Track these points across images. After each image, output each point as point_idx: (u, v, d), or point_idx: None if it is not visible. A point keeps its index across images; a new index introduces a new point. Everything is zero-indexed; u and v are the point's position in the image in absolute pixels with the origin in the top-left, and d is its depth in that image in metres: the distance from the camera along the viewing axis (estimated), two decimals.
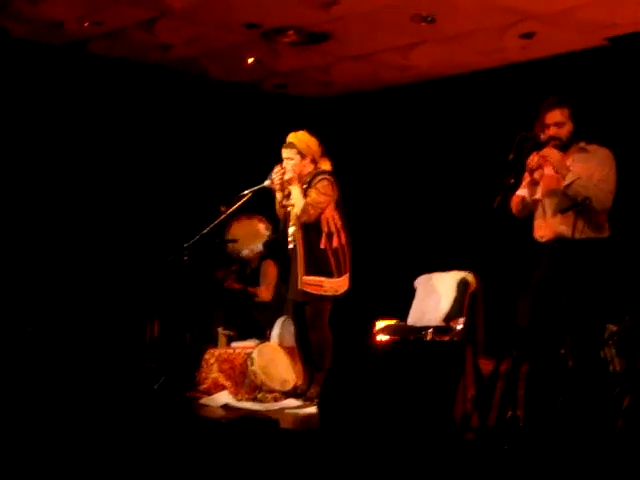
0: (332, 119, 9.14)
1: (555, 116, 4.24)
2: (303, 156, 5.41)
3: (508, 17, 6.94)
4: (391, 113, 8.74)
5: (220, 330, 6.30)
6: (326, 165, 5.51)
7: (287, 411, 5.13)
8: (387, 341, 5.17)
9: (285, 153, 5.43)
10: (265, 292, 6.52)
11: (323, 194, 5.35)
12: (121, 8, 6.77)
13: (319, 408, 4.36)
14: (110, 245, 7.42)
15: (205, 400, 5.40)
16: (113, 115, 7.92)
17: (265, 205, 5.77)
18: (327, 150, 8.80)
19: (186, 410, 5.09)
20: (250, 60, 8.13)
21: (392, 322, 6.93)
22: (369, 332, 6.24)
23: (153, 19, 7.09)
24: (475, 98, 8.01)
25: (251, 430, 3.98)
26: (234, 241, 6.41)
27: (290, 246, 5.45)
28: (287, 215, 5.49)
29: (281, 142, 5.52)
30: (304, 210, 5.29)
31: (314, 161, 5.46)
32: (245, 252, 6.49)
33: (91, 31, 7.29)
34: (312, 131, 5.55)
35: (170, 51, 7.78)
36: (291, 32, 7.47)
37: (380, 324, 7.53)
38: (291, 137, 5.45)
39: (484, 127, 7.70)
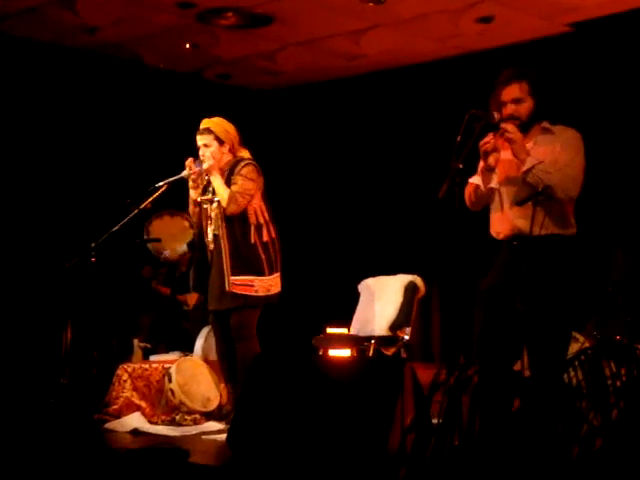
0: (279, 112, 8.62)
1: (513, 92, 3.61)
2: (221, 142, 4.78)
3: None
4: (339, 106, 8.26)
5: (136, 342, 5.62)
6: (246, 154, 4.88)
7: (205, 437, 4.45)
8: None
9: (201, 140, 4.79)
10: (195, 299, 5.84)
11: (250, 179, 4.73)
12: None
13: (228, 440, 3.68)
14: (11, 244, 6.69)
15: (112, 424, 4.69)
16: (31, 102, 7.19)
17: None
18: (274, 144, 8.50)
19: (86, 436, 4.39)
20: (187, 45, 7.49)
21: (338, 331, 6.34)
22: (303, 344, 5.59)
23: None
24: (429, 90, 7.50)
25: (153, 464, 3.32)
26: (157, 240, 5.72)
27: (210, 247, 4.79)
28: (203, 214, 4.84)
29: None
30: (231, 199, 4.66)
31: (232, 150, 4.83)
32: (167, 253, 5.82)
33: (2, 8, 6.57)
34: (231, 120, 4.91)
35: (97, 33, 7.11)
36: (230, 14, 6.86)
37: (330, 331, 6.96)
38: (206, 122, 4.81)
39: (438, 121, 7.14)
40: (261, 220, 4.76)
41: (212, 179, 4.72)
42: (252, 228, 4.72)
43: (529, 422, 3.32)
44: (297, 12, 6.71)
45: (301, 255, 7.68)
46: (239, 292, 4.67)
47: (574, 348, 4.99)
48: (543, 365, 3.56)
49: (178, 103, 7.86)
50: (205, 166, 4.71)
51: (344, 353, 5.99)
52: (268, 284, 4.72)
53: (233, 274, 4.66)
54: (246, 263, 4.68)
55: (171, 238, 5.85)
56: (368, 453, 3.07)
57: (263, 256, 4.71)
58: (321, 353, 5.41)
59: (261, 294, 4.71)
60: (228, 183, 4.73)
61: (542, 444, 3.40)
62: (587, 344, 4.95)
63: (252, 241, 4.70)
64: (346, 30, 7.07)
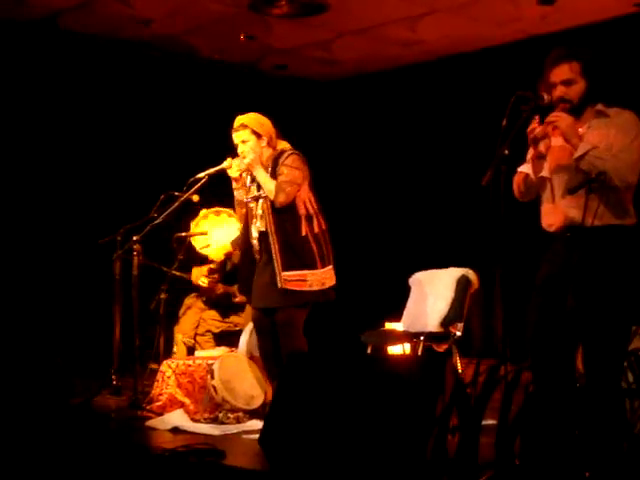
0: (336, 103, 8.48)
1: (562, 72, 3.35)
2: (259, 136, 4.58)
3: None
4: (396, 95, 8.06)
5: (179, 337, 5.53)
6: (286, 146, 4.68)
7: (246, 436, 4.31)
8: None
9: (238, 137, 4.60)
10: None
11: (296, 168, 4.51)
12: None
13: (260, 441, 3.53)
14: (50, 235, 6.73)
15: (154, 422, 4.58)
16: (87, 96, 7.22)
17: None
18: (330, 136, 8.36)
19: (126, 435, 4.31)
20: (242, 36, 7.40)
21: (393, 326, 6.15)
22: (352, 340, 5.41)
23: None
24: (489, 77, 7.22)
25: (186, 464, 3.20)
26: (203, 233, 5.62)
27: (256, 247, 4.62)
28: (249, 214, 4.67)
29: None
30: (279, 189, 4.45)
31: (271, 143, 4.63)
32: (209, 250, 5.71)
33: (59, 3, 6.58)
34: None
35: (151, 26, 7.08)
36: (283, 2, 6.74)
37: (386, 326, 6.78)
38: (240, 119, 4.61)
39: (499, 111, 6.86)
40: (311, 211, 4.54)
41: (255, 174, 4.54)
42: (302, 219, 4.50)
43: (584, 430, 3.08)
44: None
45: (352, 248, 7.55)
46: (293, 288, 4.46)
47: (636, 343, 4.71)
48: (599, 367, 3.31)
49: (234, 95, 7.78)
50: (246, 161, 4.52)
51: (395, 350, 5.81)
52: (322, 277, 4.50)
53: (285, 269, 4.44)
54: (298, 257, 4.43)
55: (217, 236, 5.73)
56: (406, 457, 2.89)
57: (315, 249, 4.48)
58: (370, 350, 5.21)
59: (315, 288, 4.48)
60: (273, 176, 4.54)
61: (597, 450, 3.17)
62: None
63: (303, 233, 4.47)
64: (401, 16, 6.88)
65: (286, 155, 4.54)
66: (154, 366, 5.30)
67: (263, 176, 4.51)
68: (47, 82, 7.06)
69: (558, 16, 6.66)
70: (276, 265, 4.44)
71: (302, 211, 4.52)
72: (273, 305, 4.52)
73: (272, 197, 4.47)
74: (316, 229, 4.52)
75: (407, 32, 7.14)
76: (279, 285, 4.42)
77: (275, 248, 4.47)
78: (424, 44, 7.35)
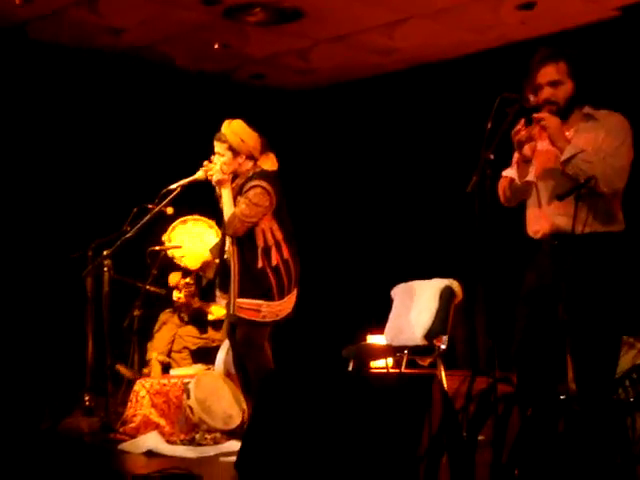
0: (314, 113, 8.35)
1: (549, 73, 3.23)
2: (236, 153, 4.45)
3: None
4: (375, 104, 7.91)
5: (154, 355, 5.34)
6: (267, 163, 4.52)
7: (223, 459, 4.13)
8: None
9: (216, 146, 4.48)
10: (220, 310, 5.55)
11: (254, 205, 4.36)
12: None
13: (237, 465, 3.35)
14: (20, 249, 6.53)
15: (127, 445, 4.39)
16: (59, 109, 7.03)
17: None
18: (309, 146, 8.22)
19: (98, 459, 4.12)
20: (216, 45, 7.25)
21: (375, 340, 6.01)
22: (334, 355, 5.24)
23: None
24: (468, 84, 7.11)
25: None
26: (177, 247, 5.45)
27: (225, 256, 4.49)
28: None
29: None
30: (229, 223, 4.36)
31: (251, 157, 4.48)
32: (185, 259, 5.54)
33: (27, 12, 6.41)
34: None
35: (123, 35, 6.91)
36: (257, 9, 6.60)
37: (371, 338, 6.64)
38: (224, 127, 4.48)
39: (479, 118, 6.75)
40: (270, 242, 4.39)
41: (222, 192, 4.43)
42: (259, 251, 4.37)
43: (577, 445, 2.93)
44: (326, 5, 6.43)
45: (331, 259, 7.40)
46: (244, 317, 4.36)
47: (630, 355, 4.59)
48: (590, 380, 3.17)
49: (210, 105, 7.62)
50: (215, 179, 4.40)
51: (378, 364, 5.66)
52: (277, 309, 4.39)
53: (240, 296, 4.33)
54: (254, 287, 4.34)
55: (194, 244, 5.56)
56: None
57: (273, 281, 4.36)
58: (351, 366, 5.06)
59: (268, 320, 4.39)
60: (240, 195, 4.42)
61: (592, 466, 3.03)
62: None
63: (260, 265, 4.35)
64: (379, 23, 6.76)
65: (251, 185, 4.40)
66: (123, 370, 5.10)
67: (226, 200, 4.43)
68: (16, 92, 6.86)
69: (538, 21, 6.57)
70: (232, 289, 4.34)
71: (260, 242, 4.41)
72: (231, 321, 4.42)
73: (225, 225, 4.39)
74: (275, 261, 4.41)
75: (385, 39, 7.02)
76: (231, 311, 4.33)
77: (234, 273, 4.38)
78: (402, 51, 7.24)
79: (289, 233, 4.47)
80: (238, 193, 4.42)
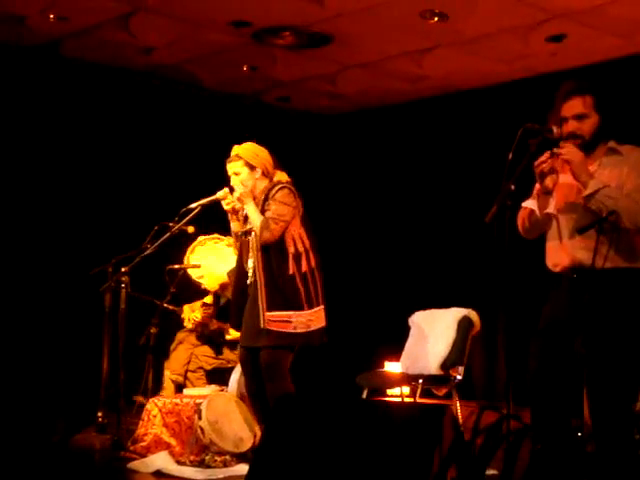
0: (340, 137, 8.36)
1: (575, 106, 3.20)
2: (252, 168, 4.44)
3: (533, 15, 6.02)
4: (401, 131, 7.90)
5: (167, 374, 5.32)
6: (283, 177, 4.53)
7: None
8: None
9: (231, 168, 4.48)
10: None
11: (285, 204, 4.35)
12: (86, 0, 5.96)
13: None
14: (42, 265, 6.55)
15: (136, 464, 4.36)
16: (88, 125, 7.11)
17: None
18: (334, 170, 8.23)
19: (106, 477, 4.09)
20: (245, 67, 7.30)
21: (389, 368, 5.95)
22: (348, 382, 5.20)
23: (126, 15, 6.27)
24: (495, 115, 7.08)
25: None
26: (196, 266, 5.44)
27: (249, 281, 4.45)
28: (244, 247, 4.52)
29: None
30: (264, 225, 4.30)
31: (267, 174, 4.48)
32: (203, 280, 5.53)
33: (60, 29, 6.49)
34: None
35: (153, 54, 6.97)
36: (287, 33, 6.63)
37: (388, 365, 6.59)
38: (235, 149, 4.49)
39: (506, 150, 6.73)
40: (300, 248, 4.36)
41: (246, 207, 4.40)
42: (290, 257, 4.32)
43: None
44: (356, 31, 6.44)
45: (350, 285, 7.36)
46: (275, 329, 4.28)
47: None
48: (607, 416, 3.12)
49: (237, 127, 7.64)
50: (236, 195, 4.39)
51: (394, 392, 5.60)
52: (308, 319, 4.32)
53: (269, 309, 4.27)
54: (284, 297, 4.28)
55: (214, 265, 5.55)
56: None
57: (302, 289, 4.30)
58: (365, 393, 5.00)
59: (300, 331, 4.30)
60: (263, 211, 4.40)
61: None
62: None
63: (290, 272, 4.29)
64: (407, 50, 6.76)
65: (277, 189, 4.39)
66: (141, 399, 5.09)
67: (252, 211, 4.37)
68: (47, 108, 6.94)
69: (567, 53, 6.54)
70: (260, 304, 4.30)
71: (291, 249, 4.36)
72: (257, 344, 4.38)
73: (258, 233, 4.33)
74: (304, 268, 4.35)
75: (413, 67, 7.03)
76: (262, 325, 4.29)
77: (261, 285, 4.32)
78: (430, 79, 7.24)
79: (315, 244, 4.46)
80: (262, 210, 4.40)
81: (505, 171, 3.01)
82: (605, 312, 3.13)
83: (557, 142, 3.20)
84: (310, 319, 4.32)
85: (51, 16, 6.20)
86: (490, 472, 3.13)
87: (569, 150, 3.15)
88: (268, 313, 4.26)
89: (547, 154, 3.18)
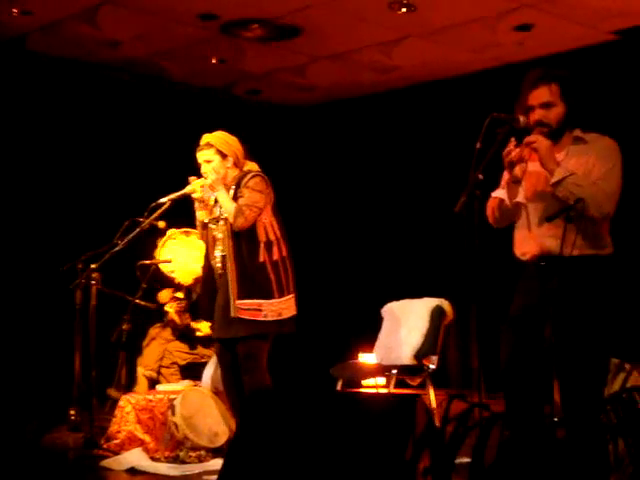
0: (311, 129, 8.34)
1: (541, 95, 3.21)
2: (224, 156, 4.41)
3: (500, 4, 6.05)
4: (371, 122, 7.93)
5: (140, 370, 5.28)
6: (253, 167, 4.51)
7: (207, 477, 4.07)
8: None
9: (201, 156, 4.43)
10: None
11: (258, 191, 4.32)
12: None
13: None
14: (12, 261, 6.47)
15: (109, 461, 4.32)
16: (56, 120, 7.03)
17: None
18: (304, 162, 8.22)
19: (78, 476, 4.06)
20: (213, 60, 7.25)
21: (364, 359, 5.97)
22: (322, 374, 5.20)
23: (93, 8, 6.21)
24: (464, 104, 7.10)
25: None
26: (167, 261, 5.41)
27: (218, 270, 4.43)
28: (209, 235, 4.49)
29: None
30: (238, 212, 4.26)
31: (237, 163, 4.46)
32: (176, 274, 5.49)
33: (26, 24, 6.41)
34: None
35: (120, 48, 6.90)
36: (255, 25, 6.60)
37: (362, 356, 6.60)
38: (206, 137, 4.45)
39: (475, 139, 6.76)
40: (271, 237, 4.35)
41: (217, 195, 4.37)
42: (261, 245, 4.30)
43: (557, 469, 2.90)
44: (324, 23, 6.43)
45: (322, 276, 7.36)
46: (246, 317, 4.27)
47: (621, 377, 4.55)
48: (577, 402, 3.15)
49: (207, 120, 7.58)
50: (208, 181, 4.35)
51: (369, 383, 5.62)
52: (279, 307, 4.30)
53: (239, 297, 4.24)
54: (254, 285, 4.25)
55: (185, 259, 5.51)
56: None
57: (272, 277, 4.28)
58: (340, 385, 5.01)
59: (270, 319, 4.29)
60: (236, 198, 4.37)
61: None
62: (636, 374, 4.50)
63: (261, 260, 4.27)
64: (377, 41, 6.77)
65: (249, 177, 4.37)
66: (114, 393, 5.05)
67: (224, 198, 4.34)
68: (13, 104, 6.86)
69: (534, 43, 6.58)
70: (231, 292, 4.27)
71: (262, 237, 4.34)
72: (229, 335, 4.34)
73: (231, 220, 4.30)
74: (275, 256, 4.33)
75: (383, 58, 7.03)
76: (232, 314, 4.25)
77: (231, 273, 4.29)
78: (400, 70, 7.25)
79: (285, 233, 4.45)
80: (233, 198, 4.37)
81: (473, 161, 3.01)
82: (573, 299, 3.16)
83: (524, 131, 3.21)
84: (281, 307, 4.31)
85: (14, 10, 6.12)
86: (463, 460, 3.15)
87: (536, 138, 3.17)
88: (238, 301, 4.24)
89: (512, 142, 3.19)
